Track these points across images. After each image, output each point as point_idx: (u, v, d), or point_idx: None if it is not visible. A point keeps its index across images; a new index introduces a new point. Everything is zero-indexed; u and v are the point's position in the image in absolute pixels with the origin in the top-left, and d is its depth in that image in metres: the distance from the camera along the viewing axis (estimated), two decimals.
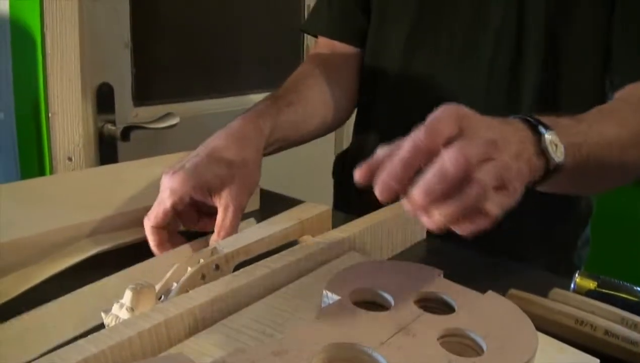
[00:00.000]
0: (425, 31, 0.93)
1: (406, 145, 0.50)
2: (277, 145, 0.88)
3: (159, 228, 0.71)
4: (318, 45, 1.08)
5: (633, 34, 0.83)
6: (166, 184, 0.70)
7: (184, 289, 0.57)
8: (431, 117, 0.51)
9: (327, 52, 1.05)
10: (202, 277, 0.60)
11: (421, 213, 0.51)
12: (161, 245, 0.71)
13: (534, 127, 0.60)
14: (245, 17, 1.57)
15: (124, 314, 0.53)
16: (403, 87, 0.96)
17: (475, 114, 0.55)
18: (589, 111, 0.74)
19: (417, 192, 0.49)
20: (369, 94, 1.03)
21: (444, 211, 0.50)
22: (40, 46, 1.02)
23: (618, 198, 1.82)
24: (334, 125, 1.05)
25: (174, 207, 0.70)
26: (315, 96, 0.97)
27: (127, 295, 0.53)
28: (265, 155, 0.84)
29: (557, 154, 0.60)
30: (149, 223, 0.71)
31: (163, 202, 0.70)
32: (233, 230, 0.71)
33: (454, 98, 0.79)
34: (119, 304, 0.54)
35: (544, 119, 0.61)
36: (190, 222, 0.75)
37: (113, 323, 0.53)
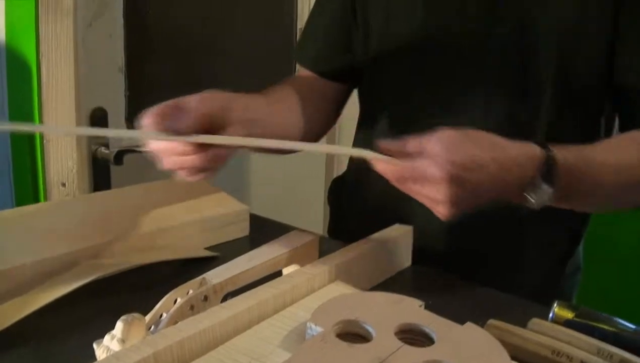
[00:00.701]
0: (428, 63, 0.93)
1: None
2: (251, 117, 0.81)
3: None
4: (300, 71, 1.09)
5: None
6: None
7: (174, 320, 0.59)
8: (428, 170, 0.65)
9: (306, 78, 1.06)
10: (191, 308, 0.61)
11: None
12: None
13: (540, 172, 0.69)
14: (238, 40, 1.60)
15: (115, 345, 0.55)
16: (404, 118, 0.96)
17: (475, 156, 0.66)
18: (595, 146, 0.78)
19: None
20: (368, 122, 1.04)
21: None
22: (35, 74, 1.04)
23: (611, 225, 1.84)
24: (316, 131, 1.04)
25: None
26: (287, 106, 0.97)
27: (118, 327, 0.55)
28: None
29: (538, 203, 0.70)
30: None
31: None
32: (196, 110, 0.70)
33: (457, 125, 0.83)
34: (110, 335, 0.56)
35: (560, 159, 0.70)
36: None
37: (104, 354, 0.55)
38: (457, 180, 0.64)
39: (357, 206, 1.05)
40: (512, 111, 0.88)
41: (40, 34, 1.02)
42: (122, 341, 0.55)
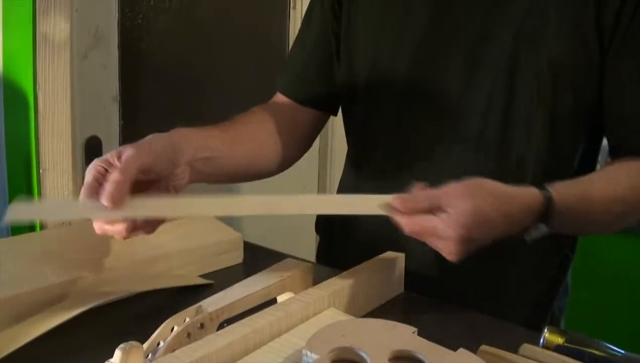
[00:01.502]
0: (418, 91, 0.94)
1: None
2: (207, 154, 0.84)
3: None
4: (274, 98, 1.09)
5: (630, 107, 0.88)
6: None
7: (171, 348, 0.60)
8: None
9: (281, 105, 1.06)
10: (188, 336, 0.62)
11: None
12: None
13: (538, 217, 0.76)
14: (231, 69, 1.62)
15: None
16: (398, 148, 0.97)
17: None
18: (590, 180, 0.85)
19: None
20: (358, 150, 1.05)
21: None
22: (32, 105, 1.05)
23: (599, 247, 1.86)
24: (274, 162, 1.02)
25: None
26: (253, 129, 0.98)
27: (117, 355, 0.56)
28: (201, 172, 0.84)
29: (532, 237, 0.78)
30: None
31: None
32: (115, 188, 0.68)
33: (447, 157, 0.85)
34: None
35: (557, 201, 0.76)
36: None
37: None
38: (466, 239, 0.71)
39: (348, 233, 1.05)
40: (505, 145, 0.90)
41: (37, 65, 1.04)
42: None
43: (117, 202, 0.67)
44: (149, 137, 0.76)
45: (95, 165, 0.70)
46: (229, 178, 0.93)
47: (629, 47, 0.85)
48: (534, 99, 0.88)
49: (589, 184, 0.84)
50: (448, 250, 0.71)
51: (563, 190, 0.78)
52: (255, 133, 0.97)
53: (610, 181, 0.85)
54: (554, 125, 0.89)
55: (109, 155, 0.71)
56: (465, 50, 0.90)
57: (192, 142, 0.80)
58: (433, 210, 0.71)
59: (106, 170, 0.70)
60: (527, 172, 0.89)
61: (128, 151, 0.71)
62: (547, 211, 0.76)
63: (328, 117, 1.11)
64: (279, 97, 1.08)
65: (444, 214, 0.70)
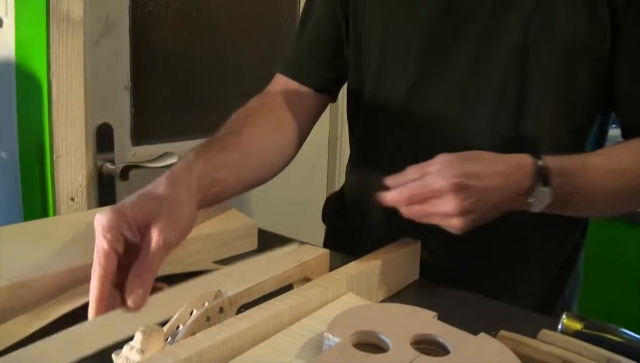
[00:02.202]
0: (427, 79, 0.94)
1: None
2: (217, 189, 0.83)
3: (105, 278, 0.66)
4: (275, 82, 1.07)
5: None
6: (98, 223, 0.67)
7: (190, 332, 0.60)
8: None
9: (281, 89, 1.05)
10: (207, 320, 0.62)
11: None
12: (101, 301, 0.65)
13: (534, 177, 0.75)
14: (241, 59, 1.62)
15: (134, 356, 0.56)
16: (405, 135, 0.97)
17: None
18: (590, 153, 0.86)
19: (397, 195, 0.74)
20: (367, 138, 1.05)
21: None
22: (46, 91, 1.05)
23: (609, 236, 1.86)
24: (278, 167, 1.02)
25: (112, 247, 0.66)
26: (256, 138, 0.95)
27: (137, 337, 0.56)
28: (209, 202, 0.82)
29: (539, 206, 0.76)
30: (95, 274, 0.66)
31: (100, 243, 0.66)
32: (151, 265, 0.66)
33: (458, 147, 0.85)
34: (129, 346, 0.57)
35: (552, 166, 0.76)
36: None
37: None
38: (462, 187, 0.71)
39: (360, 221, 1.05)
40: (515, 133, 0.90)
41: (51, 51, 1.04)
42: (141, 351, 0.56)
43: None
44: (170, 199, 0.71)
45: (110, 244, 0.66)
46: (236, 195, 0.90)
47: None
48: (548, 85, 0.87)
49: (586, 155, 0.84)
50: (450, 208, 0.71)
51: (555, 156, 0.78)
52: (260, 144, 0.95)
53: (610, 155, 0.85)
54: (568, 110, 0.89)
55: (127, 227, 0.66)
56: (476, 37, 0.90)
57: (202, 189, 0.78)
58: (425, 174, 0.73)
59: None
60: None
61: (156, 236, 0.67)
62: (542, 170, 0.75)
63: (328, 103, 1.10)
64: (278, 83, 1.07)
65: (436, 171, 0.72)
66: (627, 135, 0.90)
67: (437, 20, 0.92)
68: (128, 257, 0.68)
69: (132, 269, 0.66)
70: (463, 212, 0.71)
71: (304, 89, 1.05)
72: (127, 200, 0.69)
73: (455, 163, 0.73)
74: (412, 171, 0.74)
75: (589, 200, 0.83)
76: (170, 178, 0.75)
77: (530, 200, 0.76)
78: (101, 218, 0.67)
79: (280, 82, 1.06)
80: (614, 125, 0.96)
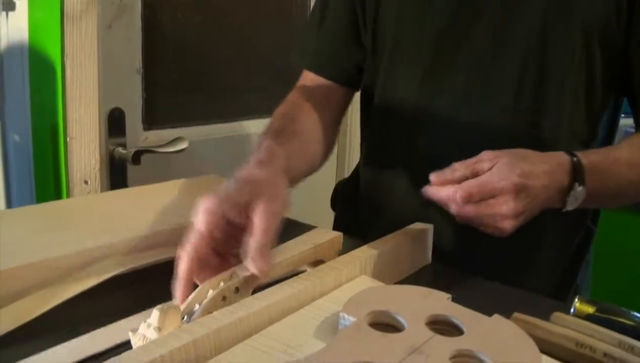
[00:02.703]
0: (441, 70, 0.94)
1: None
2: (291, 175, 0.84)
3: (194, 256, 0.66)
4: (305, 76, 1.09)
5: None
6: (200, 208, 0.68)
7: (207, 311, 0.60)
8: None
9: (312, 85, 1.06)
10: (223, 299, 0.63)
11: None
12: (186, 279, 0.66)
13: (572, 175, 0.76)
14: (252, 44, 1.62)
15: (151, 333, 0.56)
16: (419, 126, 0.97)
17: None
18: (618, 146, 0.85)
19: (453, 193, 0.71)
20: (381, 129, 1.04)
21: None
22: (60, 73, 1.06)
23: (620, 224, 1.86)
24: (324, 158, 1.04)
25: (210, 231, 0.67)
26: (310, 128, 0.98)
27: (155, 315, 0.57)
28: None
29: (573, 204, 0.78)
30: (184, 250, 0.67)
31: (198, 226, 0.67)
32: (268, 233, 0.66)
33: (473, 138, 0.84)
34: (147, 324, 0.57)
35: (585, 163, 0.76)
36: (228, 248, 0.71)
37: (140, 342, 0.57)
38: (523, 188, 0.70)
39: (372, 211, 1.06)
40: (533, 122, 0.90)
41: (65, 34, 1.04)
42: (159, 329, 0.56)
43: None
44: (268, 180, 0.72)
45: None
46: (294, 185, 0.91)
47: None
48: (567, 70, 0.87)
49: (611, 149, 0.85)
50: (508, 210, 0.70)
51: (586, 152, 0.79)
52: (312, 137, 0.98)
53: (633, 145, 0.85)
54: (585, 95, 0.89)
55: (230, 210, 0.67)
56: (492, 29, 0.90)
57: (285, 174, 0.78)
58: (480, 172, 0.71)
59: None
60: (560, 143, 0.89)
61: (265, 209, 0.67)
62: (577, 169, 0.76)
63: (354, 93, 1.11)
64: (307, 78, 1.08)
65: (496, 171, 0.70)
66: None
67: (452, 11, 0.92)
68: (227, 244, 0.69)
69: (249, 244, 0.65)
70: (519, 214, 0.71)
71: (333, 84, 1.06)
72: (227, 186, 0.70)
73: (514, 162, 0.71)
74: (460, 167, 0.72)
75: (615, 194, 0.84)
76: (260, 162, 0.77)
77: (568, 198, 0.76)
78: (203, 202, 0.68)
79: (310, 77, 1.08)
80: (623, 116, 0.97)
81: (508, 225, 0.72)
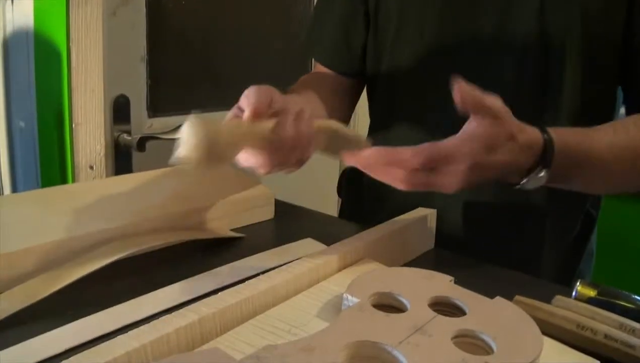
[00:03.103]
0: (445, 54, 0.94)
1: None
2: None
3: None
4: (317, 65, 1.12)
5: None
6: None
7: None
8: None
9: (324, 72, 1.09)
10: None
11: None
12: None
13: (538, 159, 0.72)
14: (256, 32, 1.62)
15: None
16: (423, 109, 0.98)
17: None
18: (602, 129, 0.81)
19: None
20: (383, 114, 1.05)
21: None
22: (65, 59, 1.06)
23: (622, 210, 1.86)
24: None
25: (264, 95, 0.69)
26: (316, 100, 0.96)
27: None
28: None
29: (532, 185, 0.74)
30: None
31: (249, 92, 0.70)
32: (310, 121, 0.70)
33: None
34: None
35: (556, 144, 0.72)
36: None
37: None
38: (479, 166, 0.66)
39: (376, 195, 1.06)
40: (536, 101, 0.90)
41: (70, 20, 1.05)
42: None
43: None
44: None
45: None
46: None
47: None
48: (567, 53, 0.87)
49: (594, 130, 0.80)
50: (456, 180, 0.66)
51: (564, 132, 0.75)
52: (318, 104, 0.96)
53: (617, 129, 0.82)
54: (586, 79, 0.89)
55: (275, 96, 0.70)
56: (494, 11, 0.90)
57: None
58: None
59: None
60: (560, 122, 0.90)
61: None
62: (546, 151, 0.72)
63: (365, 84, 1.12)
64: (320, 68, 1.10)
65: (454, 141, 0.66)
66: (631, 108, 0.90)
67: None
68: None
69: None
70: (466, 185, 0.67)
71: (344, 78, 1.08)
72: None
73: (479, 134, 0.67)
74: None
75: (592, 178, 0.82)
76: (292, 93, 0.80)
77: (527, 179, 0.73)
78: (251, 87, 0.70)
79: (322, 69, 1.09)
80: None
81: (451, 191, 0.67)
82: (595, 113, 0.92)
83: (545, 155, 0.72)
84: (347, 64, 1.07)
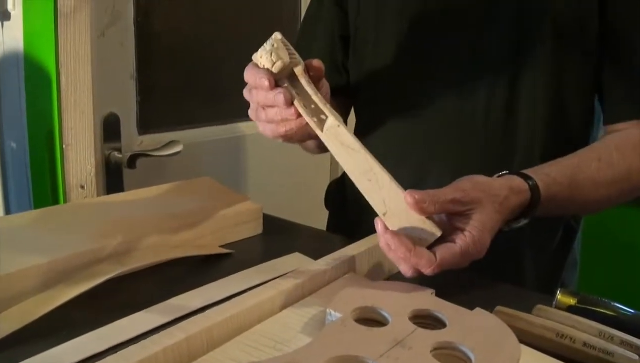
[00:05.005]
0: (420, 69, 0.97)
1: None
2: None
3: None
4: None
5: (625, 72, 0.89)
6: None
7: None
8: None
9: None
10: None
11: None
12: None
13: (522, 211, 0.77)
14: (244, 48, 1.63)
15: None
16: (399, 127, 1.00)
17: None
18: (578, 159, 0.84)
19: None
20: (365, 125, 1.06)
21: None
22: (55, 81, 1.08)
23: (605, 219, 1.88)
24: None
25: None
26: None
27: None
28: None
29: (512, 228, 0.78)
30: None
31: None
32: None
33: (454, 137, 0.86)
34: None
35: (542, 197, 0.77)
36: None
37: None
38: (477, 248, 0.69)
39: (360, 207, 1.08)
40: (514, 88, 0.91)
41: (59, 43, 1.06)
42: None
43: None
44: None
45: None
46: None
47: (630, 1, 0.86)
48: (539, 64, 0.89)
49: (579, 169, 0.83)
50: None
51: (550, 179, 0.79)
52: None
53: (602, 160, 0.85)
54: (561, 89, 0.90)
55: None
56: (470, 21, 0.92)
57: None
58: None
59: None
60: (535, 143, 0.91)
61: None
62: (531, 207, 0.77)
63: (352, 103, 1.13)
64: None
65: (468, 230, 0.69)
66: (607, 119, 0.92)
67: (429, 3, 0.95)
68: None
69: None
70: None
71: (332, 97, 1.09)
72: None
73: (487, 220, 0.70)
74: (434, 205, 0.67)
75: (573, 211, 0.91)
76: None
77: (506, 229, 0.77)
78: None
79: None
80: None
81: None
82: (572, 125, 0.93)
83: (530, 209, 0.77)
84: (331, 82, 1.08)
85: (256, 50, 0.76)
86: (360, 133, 1.08)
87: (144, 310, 0.69)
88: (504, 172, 0.79)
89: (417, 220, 0.66)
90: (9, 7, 1.12)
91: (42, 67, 1.09)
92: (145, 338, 0.55)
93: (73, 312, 0.69)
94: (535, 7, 0.88)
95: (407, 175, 0.97)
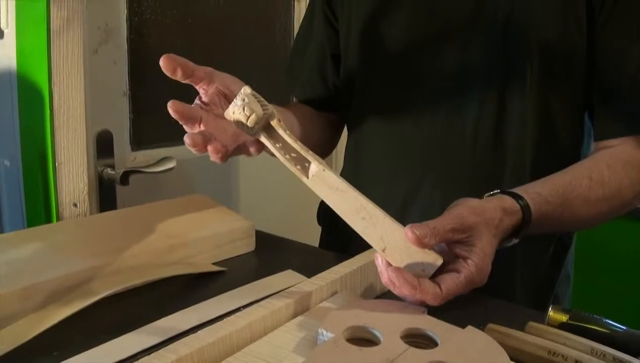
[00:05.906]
0: (409, 87, 0.97)
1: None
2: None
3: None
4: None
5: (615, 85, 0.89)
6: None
7: None
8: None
9: (302, 105, 1.13)
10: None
11: None
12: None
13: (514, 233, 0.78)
14: (237, 64, 1.64)
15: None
16: (391, 143, 1.00)
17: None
18: (581, 180, 0.84)
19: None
20: (356, 142, 1.08)
21: None
22: (47, 100, 1.08)
23: (599, 233, 1.88)
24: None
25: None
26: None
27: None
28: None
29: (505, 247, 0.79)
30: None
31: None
32: None
33: (445, 153, 0.86)
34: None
35: (533, 218, 0.78)
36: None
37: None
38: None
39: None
40: (502, 105, 0.92)
41: (52, 62, 1.06)
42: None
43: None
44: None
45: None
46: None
47: (618, 20, 0.86)
48: (527, 83, 0.90)
49: (570, 187, 0.83)
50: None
51: (541, 199, 0.79)
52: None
53: (593, 179, 0.85)
54: (547, 113, 0.91)
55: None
56: (457, 39, 0.93)
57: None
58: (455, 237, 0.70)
59: None
60: (525, 159, 0.92)
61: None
62: (522, 228, 0.78)
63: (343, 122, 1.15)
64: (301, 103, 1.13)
65: (470, 258, 0.70)
66: (599, 135, 0.92)
67: (418, 20, 0.96)
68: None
69: None
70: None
71: (324, 114, 1.12)
72: None
73: (487, 245, 0.72)
74: (433, 237, 0.67)
75: (565, 228, 0.92)
76: None
77: (498, 248, 0.77)
78: None
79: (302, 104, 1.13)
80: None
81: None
82: (562, 141, 0.94)
83: (521, 230, 0.78)
84: (324, 103, 1.11)
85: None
86: (352, 149, 1.09)
87: (136, 331, 0.69)
88: (495, 191, 0.79)
89: (418, 253, 0.66)
90: (2, 25, 1.12)
91: (34, 85, 1.09)
92: (137, 359, 0.55)
93: (65, 332, 0.69)
94: (522, 29, 0.89)
95: (400, 190, 0.98)
